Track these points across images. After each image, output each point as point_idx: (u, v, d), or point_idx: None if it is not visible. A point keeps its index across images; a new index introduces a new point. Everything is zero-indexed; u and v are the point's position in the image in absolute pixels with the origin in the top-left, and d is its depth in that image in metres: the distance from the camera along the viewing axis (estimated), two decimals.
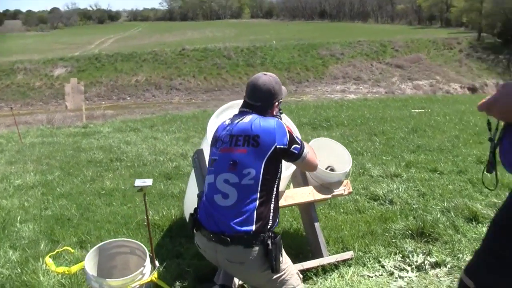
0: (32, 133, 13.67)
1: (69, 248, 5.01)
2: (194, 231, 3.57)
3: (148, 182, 4.02)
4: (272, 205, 3.45)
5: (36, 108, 37.76)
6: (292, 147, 3.54)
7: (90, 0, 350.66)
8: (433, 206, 6.04)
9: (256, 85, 3.69)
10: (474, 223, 5.49)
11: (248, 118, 3.57)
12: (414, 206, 6.11)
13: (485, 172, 2.67)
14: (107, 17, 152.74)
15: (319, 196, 4.82)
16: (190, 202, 5.27)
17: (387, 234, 5.35)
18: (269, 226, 3.39)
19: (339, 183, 4.95)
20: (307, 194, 4.78)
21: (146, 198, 4.18)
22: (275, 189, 3.50)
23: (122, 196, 7.07)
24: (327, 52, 51.19)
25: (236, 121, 3.60)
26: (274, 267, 3.33)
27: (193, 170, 5.32)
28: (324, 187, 4.89)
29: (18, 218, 6.30)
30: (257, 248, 3.32)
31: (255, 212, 3.34)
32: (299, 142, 3.61)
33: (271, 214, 3.43)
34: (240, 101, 5.00)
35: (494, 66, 53.42)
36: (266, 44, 52.44)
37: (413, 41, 56.72)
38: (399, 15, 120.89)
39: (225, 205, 3.39)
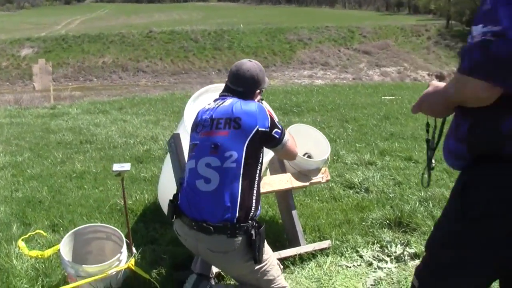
0: (0, 113, 13.39)
1: (42, 232, 4.90)
2: (174, 218, 3.51)
3: (127, 166, 3.96)
4: (254, 192, 3.40)
5: (3, 88, 37.16)
6: (274, 131, 3.50)
7: None
8: (410, 196, 6.04)
9: (240, 70, 3.64)
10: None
11: (228, 102, 3.52)
12: (391, 195, 6.11)
13: (425, 172, 2.77)
14: None
15: (297, 183, 4.77)
16: (164, 188, 5.21)
17: (364, 223, 5.34)
18: (251, 214, 3.34)
19: (317, 171, 4.92)
20: (285, 181, 4.73)
21: (124, 183, 4.09)
22: (257, 176, 3.45)
23: (94, 179, 6.95)
24: (294, 36, 51.20)
25: (217, 105, 3.54)
26: (257, 258, 3.29)
27: (168, 155, 5.26)
28: (302, 174, 4.85)
29: None
30: (240, 238, 3.27)
31: (238, 198, 3.28)
32: (280, 128, 3.57)
33: (254, 201, 3.38)
34: (217, 85, 4.99)
35: None
36: (234, 28, 52.28)
37: (381, 27, 57.00)
38: (367, 1, 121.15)
39: (207, 190, 3.32)
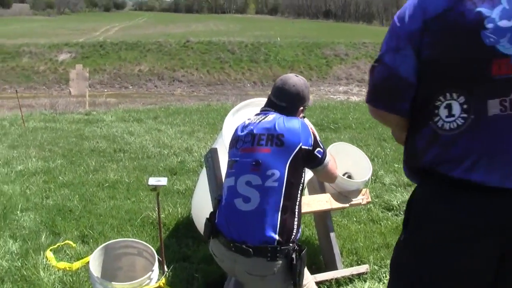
0: (35, 117, 13.39)
1: (71, 243, 4.81)
2: (211, 238, 3.36)
3: (163, 181, 3.81)
4: (296, 214, 3.23)
5: (39, 92, 37.40)
6: (316, 150, 3.34)
7: None
8: None
9: (286, 84, 3.49)
10: None
11: (271, 117, 3.36)
12: None
13: None
14: (113, 5, 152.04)
15: (337, 205, 4.58)
16: (199, 203, 5.07)
17: None
18: (292, 237, 3.17)
19: (357, 192, 4.73)
20: (324, 202, 4.54)
21: (159, 198, 3.94)
22: (298, 196, 3.28)
23: (126, 190, 6.85)
24: (331, 52, 50.89)
25: (258, 120, 3.38)
26: (297, 282, 3.12)
27: (203, 169, 5.11)
28: (342, 195, 4.66)
29: (19, 206, 6.10)
30: (280, 261, 3.09)
31: (279, 220, 3.12)
32: (322, 147, 3.41)
33: (295, 223, 3.22)
34: (259, 99, 4.84)
35: None
36: (271, 41, 52.12)
37: None
38: None
39: (246, 209, 3.16)
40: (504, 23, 2.02)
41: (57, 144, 9.68)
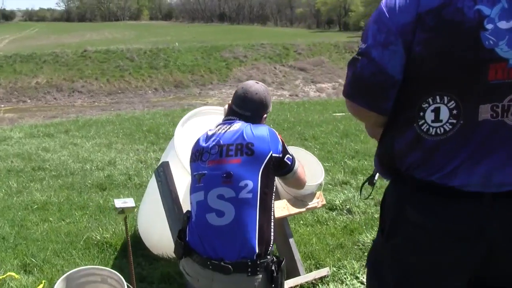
0: None
1: (13, 274, 4.48)
2: (183, 257, 3.18)
3: (130, 202, 3.57)
4: (272, 224, 3.12)
5: None
6: (286, 157, 3.26)
7: None
8: None
9: (248, 93, 3.36)
10: None
11: (237, 126, 3.23)
12: (375, 216, 5.87)
13: (366, 184, 2.91)
14: (1, 17, 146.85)
15: (294, 210, 4.49)
16: (146, 219, 4.88)
17: (356, 246, 5.16)
18: (270, 248, 3.06)
19: (312, 195, 4.65)
20: (282, 208, 4.42)
21: (127, 222, 3.70)
22: (272, 205, 3.17)
23: (58, 211, 6.49)
24: (230, 54, 51.00)
25: (223, 130, 3.23)
26: None
27: (150, 184, 4.92)
28: (297, 199, 4.57)
29: None
30: (261, 275, 2.98)
31: (256, 232, 2.99)
32: (291, 153, 3.31)
33: (271, 234, 3.10)
34: (206, 108, 4.71)
35: None
36: (169, 46, 51.78)
37: (315, 44, 57.39)
38: (298, 18, 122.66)
39: (220, 224, 3.01)
40: (503, 24, 1.89)
41: None
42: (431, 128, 2.02)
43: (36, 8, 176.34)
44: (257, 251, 2.97)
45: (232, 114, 3.40)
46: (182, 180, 4.02)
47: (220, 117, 3.93)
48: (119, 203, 3.58)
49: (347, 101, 2.22)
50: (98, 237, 5.36)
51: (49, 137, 12.00)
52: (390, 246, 2.23)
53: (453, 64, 1.93)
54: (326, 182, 7.29)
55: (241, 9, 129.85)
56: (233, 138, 3.17)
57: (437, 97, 1.98)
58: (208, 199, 3.08)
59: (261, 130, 3.21)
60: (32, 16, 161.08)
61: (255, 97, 3.36)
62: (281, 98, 37.77)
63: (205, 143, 3.25)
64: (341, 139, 10.33)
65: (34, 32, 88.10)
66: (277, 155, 3.18)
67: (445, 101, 1.97)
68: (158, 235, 4.63)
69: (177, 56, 49.18)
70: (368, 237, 5.28)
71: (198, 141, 3.35)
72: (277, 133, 3.31)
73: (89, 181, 7.75)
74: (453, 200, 2.02)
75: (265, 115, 3.47)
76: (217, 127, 3.35)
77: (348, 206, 6.26)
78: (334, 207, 6.31)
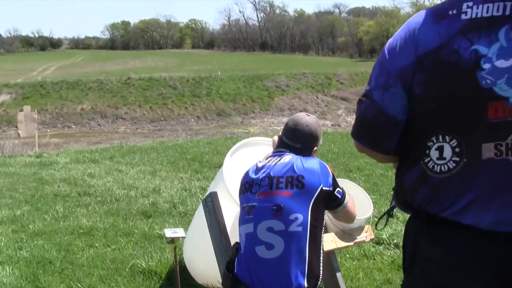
0: None
1: None
2: None
3: (180, 232, 3.61)
4: (321, 258, 3.12)
5: None
6: (336, 190, 3.25)
7: (32, 26, 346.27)
8: None
9: (299, 125, 3.38)
10: None
11: (287, 158, 3.24)
12: None
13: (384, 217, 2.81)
14: (49, 44, 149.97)
15: (342, 243, 4.43)
16: (192, 248, 4.90)
17: None
18: (320, 283, 3.05)
19: (360, 229, 4.60)
20: (329, 241, 4.38)
21: (176, 252, 3.73)
22: (322, 239, 3.17)
23: (103, 236, 6.55)
24: (272, 83, 51.18)
25: (273, 162, 3.25)
26: None
27: (197, 213, 4.94)
28: (345, 233, 4.53)
29: None
30: None
31: (306, 267, 2.98)
32: (341, 187, 3.31)
33: (321, 268, 3.10)
34: (254, 139, 4.72)
35: None
36: (211, 75, 52.16)
37: (357, 74, 57.31)
38: (340, 47, 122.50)
39: (270, 257, 3.02)
40: (501, 63, 1.88)
41: (17, 190, 9.28)
42: (436, 166, 2.03)
43: (82, 36, 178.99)
44: (306, 285, 2.97)
45: (282, 146, 3.42)
46: (230, 211, 4.03)
47: (269, 148, 3.96)
48: (169, 232, 3.62)
49: (354, 141, 2.30)
50: (144, 265, 5.39)
51: (94, 163, 12.18)
52: (409, 279, 2.25)
53: (452, 104, 1.95)
54: (373, 216, 7.23)
55: (282, 38, 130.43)
56: (283, 170, 3.18)
57: (440, 136, 2.00)
58: (257, 231, 3.10)
59: (312, 163, 3.22)
60: (78, 44, 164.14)
61: (306, 129, 3.37)
62: (324, 128, 37.66)
63: (255, 175, 3.27)
64: (387, 171, 10.23)
65: (80, 59, 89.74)
66: (328, 189, 3.18)
67: (447, 140, 1.99)
68: (204, 264, 4.64)
69: (219, 84, 49.49)
70: None
71: (247, 172, 3.37)
72: (327, 166, 3.31)
73: (134, 208, 7.82)
74: (468, 235, 2.00)
75: (315, 148, 3.48)
76: (267, 159, 3.37)
77: (395, 241, 6.17)
78: (381, 241, 6.21)
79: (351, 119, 45.39)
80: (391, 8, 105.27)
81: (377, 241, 6.17)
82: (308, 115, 3.53)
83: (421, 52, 1.99)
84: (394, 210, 2.69)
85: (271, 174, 3.20)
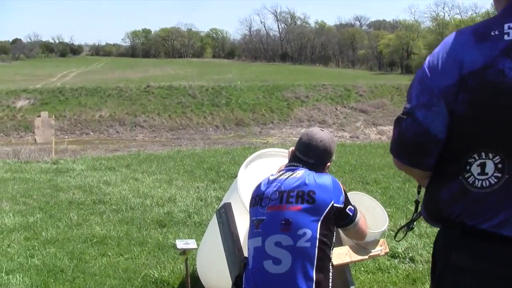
0: None
1: None
2: None
3: (192, 244, 3.53)
4: (330, 274, 3.03)
5: None
6: (348, 207, 3.19)
7: (53, 32, 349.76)
8: None
9: (313, 140, 3.33)
10: None
11: (299, 173, 3.18)
12: None
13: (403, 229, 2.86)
14: (69, 51, 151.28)
15: (356, 257, 4.33)
16: (206, 259, 4.81)
17: None
18: None
19: (375, 242, 4.50)
20: (344, 254, 4.28)
21: (188, 264, 3.65)
22: (331, 256, 3.09)
23: (117, 245, 6.49)
24: (291, 94, 51.22)
25: (285, 176, 3.19)
26: None
27: (211, 224, 4.86)
28: (360, 246, 4.43)
29: (4, 267, 5.68)
30: None
31: (314, 282, 2.91)
32: (353, 204, 3.23)
33: (330, 284, 3.01)
34: (269, 150, 4.64)
35: None
36: (231, 84, 52.26)
37: (377, 86, 57.26)
38: (360, 60, 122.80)
39: (277, 272, 2.96)
40: None
41: (31, 196, 9.26)
42: (477, 181, 2.03)
43: (103, 43, 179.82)
44: None
45: (295, 161, 3.37)
46: (244, 222, 3.95)
47: (285, 160, 3.88)
48: (180, 244, 3.55)
49: (393, 159, 2.28)
50: (156, 275, 5.32)
51: (110, 171, 12.15)
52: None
53: (497, 123, 1.97)
54: (389, 229, 7.11)
55: (303, 50, 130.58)
56: (294, 184, 3.13)
57: (483, 153, 2.01)
58: (265, 245, 3.05)
59: (324, 179, 3.17)
60: (98, 51, 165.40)
61: (320, 144, 3.32)
62: (342, 139, 37.66)
63: (266, 189, 3.23)
64: (403, 184, 10.11)
65: (100, 66, 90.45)
66: (339, 205, 3.13)
67: (491, 157, 1.99)
68: (217, 275, 4.55)
69: (238, 94, 49.58)
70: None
71: (259, 185, 3.32)
72: (340, 184, 3.25)
73: (149, 217, 7.75)
74: (506, 246, 1.99)
75: (329, 163, 3.44)
76: (279, 172, 3.31)
77: (410, 254, 6.07)
78: (396, 254, 6.11)
79: (369, 131, 45.36)
80: (411, 22, 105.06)
81: (392, 255, 6.08)
82: (322, 130, 3.48)
83: (465, 71, 2.00)
84: (414, 223, 2.70)
85: (282, 188, 3.16)
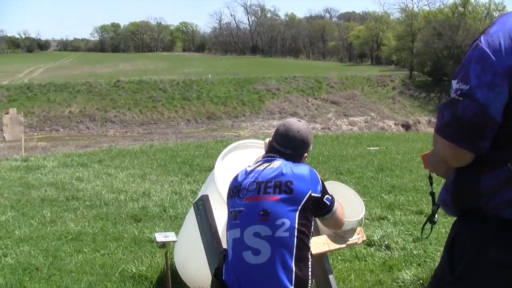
0: None
1: None
2: None
3: (171, 236, 3.50)
4: (309, 263, 3.04)
5: None
6: (325, 197, 3.19)
7: (19, 27, 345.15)
8: (434, 252, 5.71)
9: (290, 130, 3.32)
10: None
11: (276, 164, 3.18)
12: (414, 252, 5.76)
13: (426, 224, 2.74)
14: (37, 46, 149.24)
15: (334, 246, 4.33)
16: (184, 252, 4.79)
17: (395, 283, 5.01)
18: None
19: (352, 231, 4.51)
20: (322, 244, 4.28)
21: (168, 257, 3.61)
22: (309, 245, 3.10)
23: (92, 241, 6.41)
24: (263, 87, 51.31)
25: (262, 167, 3.18)
26: None
27: (188, 217, 4.84)
28: (338, 235, 4.44)
29: None
30: None
31: (293, 272, 2.92)
32: (330, 194, 3.24)
33: (309, 273, 3.01)
34: (245, 142, 4.62)
35: (426, 103, 54.97)
36: (202, 78, 52.13)
37: (348, 78, 57.60)
38: (331, 52, 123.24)
39: (256, 262, 2.96)
40: None
41: (2, 195, 9.09)
42: None
43: (71, 38, 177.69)
44: None
45: (272, 151, 3.36)
46: (222, 214, 3.93)
47: (261, 151, 3.86)
48: (160, 237, 3.52)
49: (447, 144, 2.11)
50: (134, 270, 5.27)
51: (82, 167, 12.02)
52: (463, 285, 2.18)
53: None
54: (365, 217, 7.15)
55: (273, 42, 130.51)
56: (272, 175, 3.13)
57: None
58: (244, 236, 3.04)
59: (301, 169, 3.17)
60: (66, 46, 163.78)
61: (297, 135, 3.32)
62: (314, 131, 37.66)
63: (243, 180, 3.22)
64: (377, 173, 10.18)
65: (68, 61, 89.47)
66: (316, 195, 3.13)
67: None
68: (195, 269, 4.53)
69: (209, 87, 49.50)
70: (408, 273, 5.10)
71: (236, 177, 3.31)
72: (317, 173, 3.25)
73: (124, 212, 7.69)
74: None
75: (306, 154, 3.43)
76: (256, 163, 3.31)
77: (386, 242, 6.10)
78: (372, 242, 6.15)
79: (341, 122, 45.60)
80: (380, 13, 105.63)
81: (368, 243, 6.12)
82: (299, 121, 3.47)
83: None
84: (436, 215, 2.65)
85: (259, 179, 3.15)
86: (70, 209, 8.02)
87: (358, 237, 4.53)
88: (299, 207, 3.03)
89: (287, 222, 2.98)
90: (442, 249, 5.41)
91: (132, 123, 41.94)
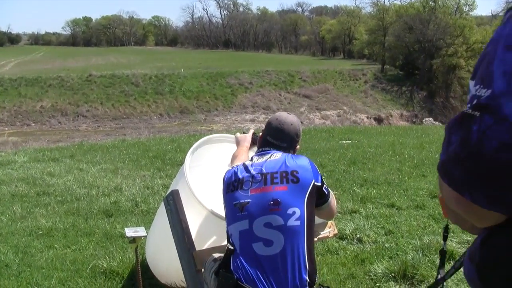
0: None
1: None
2: None
3: (141, 231, 3.49)
4: (314, 254, 3.10)
5: None
6: (324, 186, 3.25)
7: None
8: (406, 245, 5.76)
9: (284, 124, 3.41)
10: (453, 262, 5.17)
11: (278, 155, 3.25)
12: (386, 245, 5.81)
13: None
14: (7, 40, 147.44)
15: None
16: (155, 247, 4.79)
17: (367, 276, 5.04)
18: (316, 279, 3.01)
19: (324, 224, 4.55)
20: None
21: (138, 252, 3.60)
22: (315, 235, 3.18)
23: (63, 237, 6.36)
24: (235, 81, 51.23)
25: (264, 159, 3.24)
26: None
27: (158, 211, 4.83)
28: None
29: None
30: None
31: (306, 261, 2.95)
32: (326, 184, 3.30)
33: (315, 264, 3.07)
34: (216, 136, 4.63)
35: (397, 97, 55.39)
36: (175, 72, 51.89)
37: (320, 71, 57.71)
38: (303, 45, 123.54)
39: (268, 254, 2.95)
40: None
41: None
42: None
43: (42, 32, 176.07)
44: (307, 281, 2.94)
45: (267, 145, 3.42)
46: (192, 210, 3.93)
47: (232, 145, 3.88)
48: (130, 232, 3.51)
49: (450, 191, 1.35)
50: (105, 265, 5.24)
51: (54, 162, 11.91)
52: None
53: None
54: (337, 211, 7.19)
55: (246, 36, 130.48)
56: (276, 166, 3.17)
57: None
58: (254, 227, 3.03)
59: (302, 160, 3.24)
60: (38, 40, 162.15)
61: (291, 128, 3.42)
62: None
63: (246, 173, 3.22)
64: (349, 167, 10.22)
65: (40, 55, 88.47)
66: (318, 184, 3.19)
67: None
68: (166, 263, 4.53)
69: (182, 82, 49.29)
70: (380, 266, 5.15)
71: (234, 172, 3.29)
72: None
73: (95, 207, 7.64)
74: None
75: (298, 146, 3.52)
76: (256, 157, 3.35)
77: (358, 235, 6.15)
78: (344, 236, 6.18)
79: (313, 116, 45.70)
80: (352, 7, 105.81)
81: (340, 236, 6.16)
82: (290, 114, 3.57)
83: None
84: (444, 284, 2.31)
85: (264, 170, 3.17)
86: (41, 204, 7.95)
87: (329, 231, 4.57)
88: (306, 196, 3.07)
89: (298, 211, 3.01)
90: (415, 242, 5.49)
91: (105, 118, 41.62)
